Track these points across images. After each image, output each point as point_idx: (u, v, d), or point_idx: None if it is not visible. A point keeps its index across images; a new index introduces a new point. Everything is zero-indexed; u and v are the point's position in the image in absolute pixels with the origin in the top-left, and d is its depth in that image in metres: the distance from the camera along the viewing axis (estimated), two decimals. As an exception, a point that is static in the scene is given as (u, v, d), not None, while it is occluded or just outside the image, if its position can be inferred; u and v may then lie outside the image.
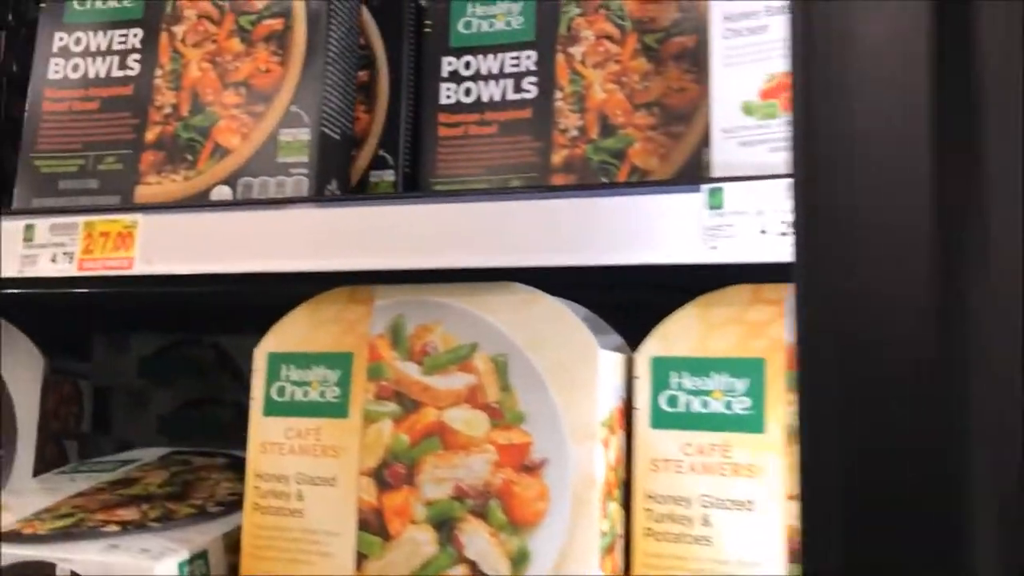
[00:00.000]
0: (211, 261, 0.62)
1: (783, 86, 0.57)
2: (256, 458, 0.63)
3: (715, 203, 0.52)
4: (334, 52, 0.67)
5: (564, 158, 0.69)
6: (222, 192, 0.66)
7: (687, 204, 0.53)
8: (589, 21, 0.70)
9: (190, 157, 0.67)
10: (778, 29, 0.58)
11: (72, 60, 0.72)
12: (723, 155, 0.58)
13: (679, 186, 0.53)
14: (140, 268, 0.64)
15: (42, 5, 0.74)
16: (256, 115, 0.66)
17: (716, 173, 0.58)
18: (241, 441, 1.12)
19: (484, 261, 0.58)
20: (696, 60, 0.67)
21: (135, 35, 0.71)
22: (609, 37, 0.69)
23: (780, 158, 0.56)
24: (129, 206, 0.66)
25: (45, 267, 0.66)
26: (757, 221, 0.51)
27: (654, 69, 0.68)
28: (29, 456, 0.87)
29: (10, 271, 0.67)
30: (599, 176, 0.68)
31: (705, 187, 0.52)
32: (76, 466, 0.86)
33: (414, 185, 0.73)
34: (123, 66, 0.71)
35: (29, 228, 0.67)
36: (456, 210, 0.59)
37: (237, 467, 0.83)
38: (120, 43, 0.71)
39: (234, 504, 0.74)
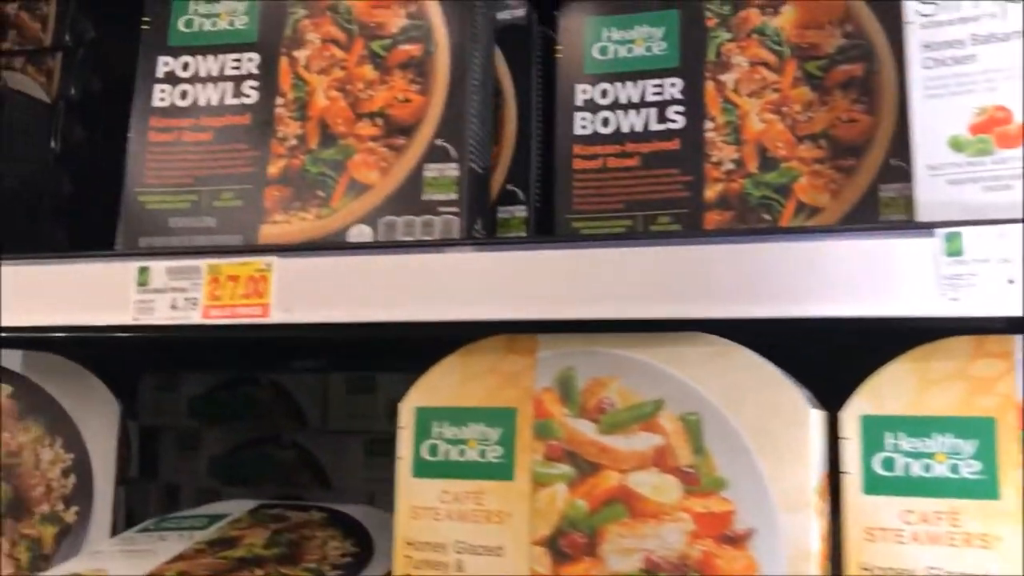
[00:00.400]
0: (357, 309, 0.57)
1: (997, 120, 0.53)
2: (406, 523, 0.57)
3: (953, 249, 0.47)
4: (477, 80, 0.62)
5: (719, 193, 0.64)
6: (362, 231, 0.60)
7: (919, 250, 0.48)
8: (740, 47, 0.66)
9: (322, 193, 0.62)
10: (988, 59, 0.53)
11: (180, 87, 0.67)
12: (930, 194, 0.53)
13: (907, 229, 0.48)
14: (278, 316, 0.58)
15: (144, 27, 0.68)
16: (396, 148, 0.61)
17: (922, 213, 0.53)
18: (303, 484, 1.06)
19: (669, 312, 0.53)
20: (866, 89, 0.63)
21: (250, 60, 0.66)
22: (765, 64, 0.65)
23: (998, 198, 0.52)
24: (261, 247, 0.60)
25: (164, 314, 0.60)
26: (1003, 269, 0.46)
27: (818, 98, 0.63)
28: (107, 512, 0.80)
29: (122, 318, 0.61)
30: (760, 213, 0.63)
31: (940, 231, 0.48)
32: (158, 522, 0.80)
33: (547, 221, 0.68)
34: (238, 93, 0.65)
35: (143, 271, 0.61)
36: (633, 254, 0.54)
37: (338, 523, 0.77)
38: (234, 68, 0.66)
39: (351, 567, 0.68)
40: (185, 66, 0.67)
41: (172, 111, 0.66)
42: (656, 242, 0.53)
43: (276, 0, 0.66)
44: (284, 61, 0.65)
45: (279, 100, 0.64)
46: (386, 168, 0.61)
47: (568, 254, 0.54)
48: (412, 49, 0.63)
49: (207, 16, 0.67)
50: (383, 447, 0.94)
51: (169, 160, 0.65)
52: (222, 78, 0.66)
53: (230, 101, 0.65)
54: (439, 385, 0.58)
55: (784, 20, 0.65)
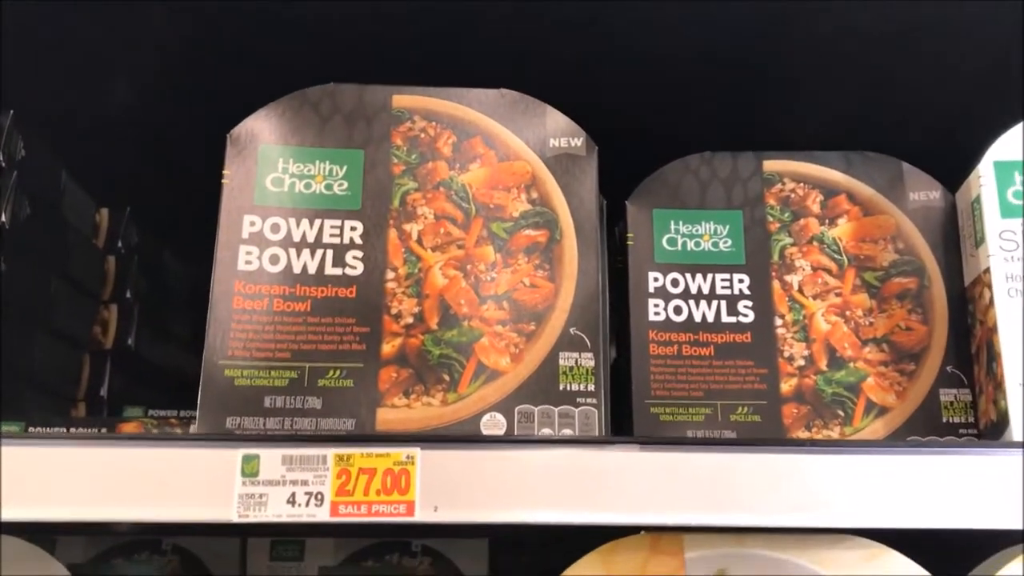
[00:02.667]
0: (510, 508, 0.54)
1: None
2: None
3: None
4: (605, 268, 0.63)
5: (794, 387, 0.68)
6: (495, 419, 0.58)
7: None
8: (802, 252, 0.72)
9: (447, 377, 0.59)
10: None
11: (269, 249, 0.61)
12: None
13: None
14: (424, 515, 0.54)
15: (224, 181, 0.62)
16: (528, 335, 0.60)
17: (1016, 432, 0.60)
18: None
19: (815, 520, 0.55)
20: (920, 302, 0.70)
21: (352, 228, 0.62)
22: (827, 270, 0.71)
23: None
24: (399, 436, 0.56)
25: (280, 510, 0.54)
26: None
27: (877, 306, 0.70)
28: None
29: (225, 514, 0.54)
30: (834, 409, 0.68)
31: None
32: None
33: (624, 406, 0.69)
34: (340, 263, 0.61)
35: (250, 460, 0.54)
36: (787, 462, 0.56)
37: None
38: (333, 235, 0.62)
39: None
40: (274, 228, 0.62)
41: (260, 275, 0.61)
42: (807, 450, 0.56)
43: (379, 168, 0.63)
44: (393, 233, 0.62)
45: (390, 274, 0.61)
46: (517, 354, 0.60)
47: (737, 457, 0.55)
48: (537, 235, 0.63)
49: (300, 177, 0.63)
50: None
51: (259, 331, 0.59)
52: (320, 244, 0.62)
53: (332, 271, 0.61)
54: (581, 586, 0.57)
55: (841, 232, 0.72)
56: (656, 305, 0.71)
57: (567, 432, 0.58)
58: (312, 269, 0.61)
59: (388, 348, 0.60)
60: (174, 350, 1.00)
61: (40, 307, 0.76)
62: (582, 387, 0.59)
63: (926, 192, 0.73)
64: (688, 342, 0.70)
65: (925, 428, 0.68)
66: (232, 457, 0.55)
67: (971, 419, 0.68)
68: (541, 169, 0.64)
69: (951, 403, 0.68)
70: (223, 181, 0.62)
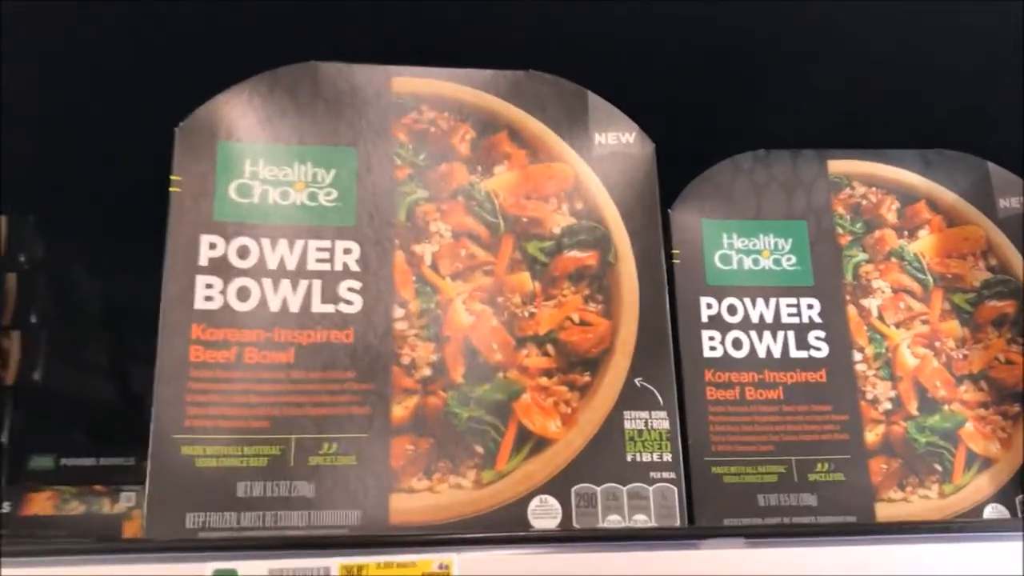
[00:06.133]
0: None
1: None
2: None
3: None
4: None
5: (881, 437, 0.56)
6: (547, 505, 0.44)
7: None
8: (880, 270, 0.59)
9: (480, 448, 0.45)
10: None
11: (236, 281, 0.46)
12: None
13: None
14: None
15: (172, 189, 0.46)
16: (582, 388, 0.46)
17: None
18: None
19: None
20: (1020, 329, 0.59)
21: (346, 250, 0.47)
22: (910, 292, 0.59)
23: None
24: (429, 535, 0.41)
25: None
26: None
27: (971, 335, 0.59)
28: None
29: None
30: (930, 463, 0.56)
31: None
32: None
33: (692, 465, 0.55)
34: (331, 297, 0.46)
35: (224, 576, 0.39)
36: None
37: None
38: (321, 260, 0.47)
39: None
40: (243, 252, 0.46)
41: (225, 316, 0.45)
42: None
43: (377, 171, 0.49)
44: (401, 256, 0.47)
45: (398, 311, 0.46)
46: (569, 415, 0.46)
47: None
48: (586, 257, 0.49)
49: (274, 183, 0.47)
50: None
51: (227, 391, 0.44)
52: (304, 274, 0.47)
53: (322, 308, 0.46)
54: None
55: (923, 246, 0.60)
56: (711, 338, 0.57)
57: (640, 519, 0.45)
58: (295, 307, 0.46)
59: (400, 411, 0.45)
60: (89, 383, 0.84)
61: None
62: (655, 457, 0.46)
63: (1018, 198, 0.62)
64: (752, 383, 0.57)
65: (1037, 483, 0.56)
66: (198, 573, 0.40)
67: (1088, 470, 0.57)
68: (587, 172, 0.50)
69: (1065, 451, 0.57)
70: (171, 189, 0.46)
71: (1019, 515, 0.55)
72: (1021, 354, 0.59)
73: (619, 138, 0.51)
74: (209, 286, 0.45)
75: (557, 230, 0.49)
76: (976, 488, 0.56)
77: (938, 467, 0.56)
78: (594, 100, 0.52)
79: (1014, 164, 0.62)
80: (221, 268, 0.46)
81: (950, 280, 0.60)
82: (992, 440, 0.57)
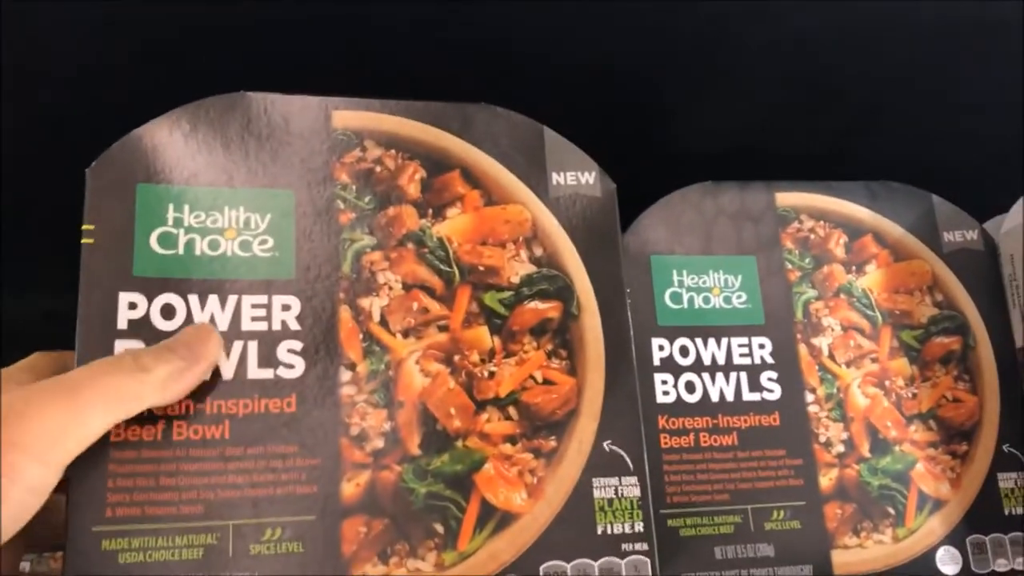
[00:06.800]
0: None
1: None
2: None
3: None
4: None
5: (835, 481, 0.55)
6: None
7: None
8: (829, 307, 0.58)
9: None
10: None
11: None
12: None
13: None
14: None
15: (84, 240, 0.41)
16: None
17: None
18: None
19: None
20: (966, 366, 0.59)
21: (285, 307, 0.42)
22: (859, 329, 0.58)
23: None
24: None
25: None
26: None
27: (919, 373, 0.58)
28: None
29: None
30: (883, 506, 0.55)
31: None
32: None
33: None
34: (268, 361, 0.41)
35: None
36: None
37: None
38: (257, 319, 0.42)
39: None
40: (167, 311, 0.41)
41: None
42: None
43: (322, 217, 0.44)
44: (346, 312, 0.43)
45: (345, 375, 0.42)
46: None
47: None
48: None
49: (201, 232, 0.42)
50: None
51: (154, 473, 0.39)
52: (239, 334, 0.41)
53: (259, 374, 0.41)
54: None
55: (871, 281, 0.59)
56: (664, 382, 0.55)
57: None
58: (228, 373, 0.41)
59: (350, 488, 0.40)
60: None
61: None
62: (627, 528, 0.43)
63: (961, 232, 0.61)
64: (706, 428, 0.55)
65: (985, 523, 0.56)
66: None
67: (1035, 509, 0.57)
68: (545, 215, 0.47)
69: (1011, 490, 0.57)
70: (83, 240, 0.41)
71: (970, 556, 0.55)
72: (967, 391, 0.58)
73: (578, 178, 0.48)
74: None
75: (516, 279, 0.45)
76: (928, 531, 0.55)
77: (891, 510, 0.55)
78: (551, 136, 0.48)
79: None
80: (143, 331, 0.40)
81: (898, 316, 0.59)
82: (942, 480, 0.56)
